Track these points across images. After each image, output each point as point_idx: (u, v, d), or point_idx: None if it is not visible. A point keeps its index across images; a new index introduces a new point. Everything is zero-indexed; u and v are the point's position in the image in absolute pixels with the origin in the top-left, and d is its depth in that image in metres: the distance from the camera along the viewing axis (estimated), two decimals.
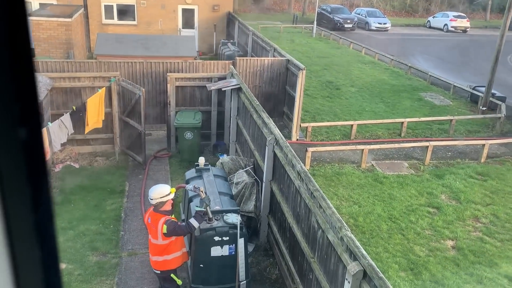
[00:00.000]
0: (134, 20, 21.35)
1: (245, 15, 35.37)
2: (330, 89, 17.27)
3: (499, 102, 15.06)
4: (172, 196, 5.46)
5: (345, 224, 4.57)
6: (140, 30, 20.76)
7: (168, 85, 10.56)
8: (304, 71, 11.40)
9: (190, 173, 7.08)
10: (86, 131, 9.62)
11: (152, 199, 5.34)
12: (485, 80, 15.58)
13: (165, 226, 5.19)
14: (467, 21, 39.10)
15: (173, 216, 5.50)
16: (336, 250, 4.61)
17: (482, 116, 14.51)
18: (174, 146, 10.85)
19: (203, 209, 5.45)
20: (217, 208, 5.90)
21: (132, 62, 11.47)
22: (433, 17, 41.30)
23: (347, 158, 10.99)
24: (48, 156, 8.01)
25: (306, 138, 12.09)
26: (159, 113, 11.87)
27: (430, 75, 19.14)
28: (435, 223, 8.31)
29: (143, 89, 9.48)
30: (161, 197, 5.33)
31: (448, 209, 8.80)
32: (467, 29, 38.57)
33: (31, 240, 0.68)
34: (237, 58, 12.56)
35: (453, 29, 38.21)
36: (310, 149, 10.25)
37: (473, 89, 16.73)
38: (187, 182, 6.86)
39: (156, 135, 11.72)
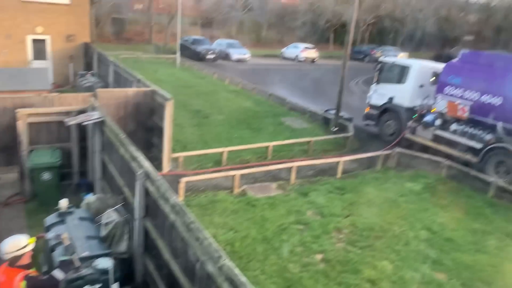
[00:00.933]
0: None
1: (105, 45, 34.00)
2: (198, 118, 17.47)
3: (347, 123, 16.99)
4: (31, 247, 4.84)
5: (223, 253, 4.58)
6: None
7: (19, 122, 9.50)
8: (171, 101, 11.35)
9: (51, 218, 6.40)
10: None
11: (5, 254, 4.67)
12: (334, 103, 17.48)
13: (23, 283, 4.56)
14: (315, 51, 43.68)
15: (33, 270, 4.87)
16: (216, 281, 4.58)
17: (334, 136, 16.16)
18: (30, 190, 9.71)
19: (68, 258, 4.95)
20: (86, 254, 5.42)
21: None
22: (286, 48, 45.17)
23: (220, 185, 11.15)
24: None
25: (178, 168, 11.95)
26: (8, 154, 10.54)
27: (288, 101, 20.76)
28: (304, 239, 8.86)
29: None
30: (17, 250, 4.69)
31: (315, 224, 9.48)
32: (316, 59, 43.03)
33: None
34: (98, 90, 11.94)
35: (303, 59, 42.27)
36: (183, 179, 10.15)
37: (325, 112, 18.60)
38: (48, 229, 6.18)
39: (6, 179, 10.35)
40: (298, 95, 23.79)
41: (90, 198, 7.90)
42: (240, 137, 15.41)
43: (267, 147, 13.72)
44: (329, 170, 12.91)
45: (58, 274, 4.78)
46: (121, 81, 15.93)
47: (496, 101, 12.86)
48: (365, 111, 17.87)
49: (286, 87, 26.55)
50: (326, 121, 18.27)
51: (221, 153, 12.84)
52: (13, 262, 4.67)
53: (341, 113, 17.35)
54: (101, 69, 18.95)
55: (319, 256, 8.37)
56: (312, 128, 17.62)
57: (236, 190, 10.84)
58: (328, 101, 21.96)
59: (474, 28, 64.41)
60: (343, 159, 12.82)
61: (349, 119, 17.52)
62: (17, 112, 9.54)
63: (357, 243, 8.93)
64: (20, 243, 4.73)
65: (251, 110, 19.68)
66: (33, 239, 4.95)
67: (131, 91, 12.31)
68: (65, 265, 4.88)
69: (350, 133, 15.98)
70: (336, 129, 16.86)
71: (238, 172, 11.03)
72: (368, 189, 11.68)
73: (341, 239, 9.06)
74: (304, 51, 42.55)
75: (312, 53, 42.85)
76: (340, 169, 12.51)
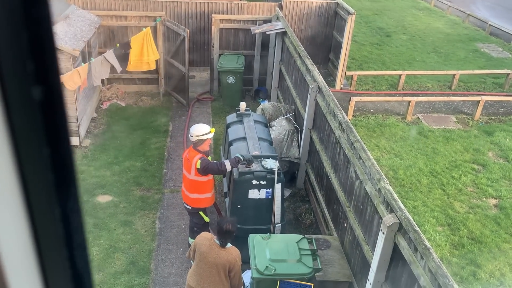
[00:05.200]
0: None
1: None
2: (380, 36, 16.48)
3: None
4: (210, 135, 5.62)
5: (383, 176, 4.53)
6: None
7: (213, 27, 10.43)
8: (354, 16, 10.88)
9: (231, 117, 7.15)
10: (129, 68, 9.64)
11: (192, 136, 5.55)
12: None
13: (199, 161, 5.43)
14: None
15: (209, 158, 5.68)
16: (373, 201, 4.61)
17: None
18: (217, 90, 10.91)
19: (241, 157, 5.55)
20: (256, 153, 5.98)
21: (177, 1, 11.33)
22: None
23: (392, 110, 10.68)
24: (82, 88, 8.17)
25: (350, 87, 11.77)
26: (203, 55, 11.84)
27: (490, 25, 17.76)
28: (478, 181, 8.08)
29: (188, 30, 9.43)
30: (200, 135, 5.51)
31: (495, 167, 8.49)
32: None
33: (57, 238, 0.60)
34: (283, 0, 12.11)
35: None
36: (354, 99, 10.01)
37: None
38: (228, 126, 6.95)
39: (199, 78, 11.78)
40: (505, 18, 20.12)
41: (265, 104, 8.50)
42: (423, 61, 14.12)
43: (453, 76, 12.31)
44: None
45: (227, 164, 5.49)
46: None
47: None
48: None
49: (491, 7, 22.61)
50: None
51: (398, 76, 12.07)
52: (196, 145, 5.55)
53: None
54: None
55: (492, 201, 7.59)
56: None
57: (409, 118, 10.25)
58: None
59: None
60: None
61: None
62: (212, 17, 10.44)
63: None
64: (204, 130, 5.55)
65: (442, 32, 17.58)
66: (213, 129, 5.70)
67: (315, 2, 12.14)
68: (235, 161, 5.52)
69: None
70: None
71: (414, 99, 10.31)
72: None
73: None
74: None
75: None
76: None
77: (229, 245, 4.54)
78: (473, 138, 9.55)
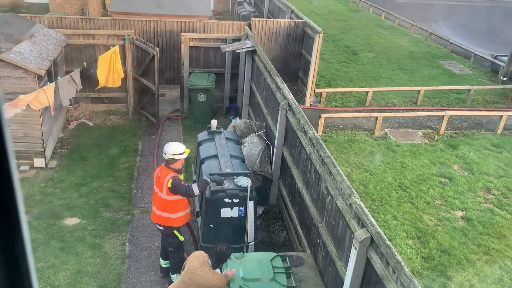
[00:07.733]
0: None
1: None
2: (347, 54, 16.90)
3: None
4: (184, 156, 5.54)
5: (354, 191, 4.57)
6: None
7: (182, 45, 10.43)
8: (321, 35, 11.13)
9: (202, 135, 7.11)
10: (98, 86, 9.56)
11: (165, 154, 5.46)
12: (509, 49, 15.07)
13: (170, 181, 5.33)
14: None
15: (181, 176, 5.60)
16: (344, 216, 4.65)
17: (502, 86, 14.13)
18: (187, 108, 10.85)
19: (208, 180, 5.49)
20: (228, 170, 5.94)
21: (146, 20, 11.30)
22: None
23: (360, 125, 10.89)
24: (53, 110, 8.04)
25: (320, 103, 11.96)
26: (173, 73, 11.80)
27: (451, 43, 18.56)
28: (445, 193, 8.29)
29: (157, 49, 9.39)
30: (174, 154, 5.43)
31: (460, 179, 8.74)
32: None
33: None
34: (252, 19, 12.28)
35: None
36: (324, 115, 10.17)
37: (495, 58, 16.22)
38: (199, 144, 6.90)
39: (170, 96, 11.70)
40: (464, 36, 21.08)
41: (236, 121, 8.51)
42: (389, 78, 14.54)
43: (418, 92, 12.72)
44: (488, 124, 11.51)
45: (195, 188, 5.41)
46: (274, 11, 16.10)
47: None
48: None
49: (452, 26, 23.67)
50: (494, 69, 15.98)
51: (366, 93, 12.37)
52: (169, 163, 5.46)
53: None
54: None
55: (459, 213, 7.79)
56: (475, 75, 15.65)
57: (377, 133, 10.47)
58: (501, 46, 19.02)
59: None
60: (508, 114, 11.23)
61: None
62: (182, 36, 10.44)
63: (508, 207, 8.02)
64: (178, 150, 5.46)
65: (406, 49, 18.21)
66: (188, 150, 5.62)
67: (283, 22, 12.38)
68: (204, 184, 5.46)
69: None
70: (505, 79, 14.68)
71: (381, 115, 10.57)
72: None
73: (489, 200, 8.23)
74: None
75: None
76: (501, 124, 11.03)
77: (219, 271, 4.55)
78: (439, 152, 9.84)
